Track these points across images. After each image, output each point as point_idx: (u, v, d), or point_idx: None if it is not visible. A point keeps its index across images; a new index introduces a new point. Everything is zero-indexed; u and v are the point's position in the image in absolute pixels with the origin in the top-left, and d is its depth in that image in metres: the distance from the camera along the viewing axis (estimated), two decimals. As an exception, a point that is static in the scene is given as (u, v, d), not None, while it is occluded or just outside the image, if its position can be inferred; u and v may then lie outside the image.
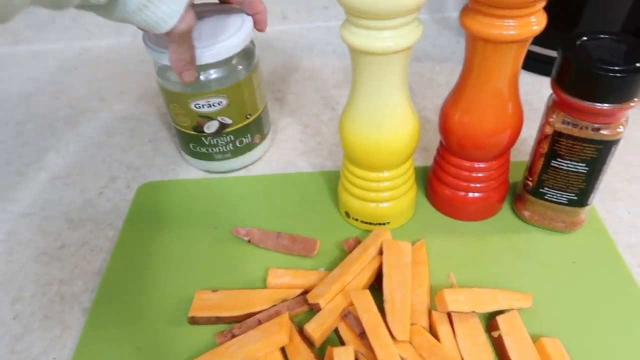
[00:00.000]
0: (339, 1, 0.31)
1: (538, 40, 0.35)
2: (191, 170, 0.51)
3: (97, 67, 0.68)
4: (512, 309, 0.35)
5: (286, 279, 0.39)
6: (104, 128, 0.57)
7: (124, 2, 0.34)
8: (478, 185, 0.41)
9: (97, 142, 0.55)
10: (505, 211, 0.44)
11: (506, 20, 0.31)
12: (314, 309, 0.36)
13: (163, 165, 0.52)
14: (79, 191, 0.50)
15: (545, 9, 0.32)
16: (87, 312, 0.39)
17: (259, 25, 0.44)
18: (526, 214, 0.42)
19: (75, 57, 0.70)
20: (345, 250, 0.41)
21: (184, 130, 0.47)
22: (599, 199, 0.44)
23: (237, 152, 0.48)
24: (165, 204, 0.47)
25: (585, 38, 0.33)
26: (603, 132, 0.34)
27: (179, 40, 0.37)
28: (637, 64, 0.32)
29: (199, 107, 0.44)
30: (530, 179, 0.40)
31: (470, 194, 0.42)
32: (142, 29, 0.39)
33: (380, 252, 0.38)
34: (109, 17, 0.36)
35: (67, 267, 0.42)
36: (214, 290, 0.38)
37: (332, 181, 0.48)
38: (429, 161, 0.48)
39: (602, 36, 0.34)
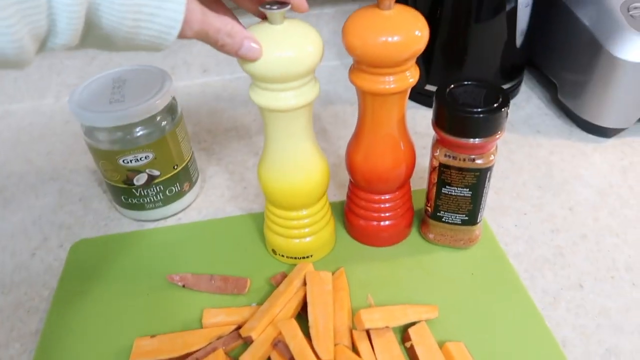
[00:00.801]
0: (244, 69, 0.36)
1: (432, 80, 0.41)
2: (124, 224, 0.53)
3: (20, 131, 0.69)
4: (421, 321, 0.40)
5: (221, 317, 0.42)
6: (32, 190, 0.58)
7: (109, 33, 0.28)
8: (387, 214, 0.47)
9: (26, 205, 0.56)
10: (414, 235, 0.50)
11: (386, 77, 0.38)
12: (247, 342, 0.39)
13: (95, 222, 0.54)
14: (9, 255, 0.50)
15: (429, 59, 0.39)
16: (26, 373, 0.40)
17: (299, 8, 0.36)
18: (430, 235, 0.48)
19: (-3, 122, 0.71)
20: (274, 285, 0.45)
21: (114, 184, 0.49)
22: (491, 215, 0.51)
23: (167, 200, 0.52)
24: (100, 259, 0.49)
25: (452, 86, 0.40)
26: (478, 161, 0.41)
27: (203, 34, 0.32)
28: (495, 104, 0.39)
29: (127, 162, 0.47)
30: (429, 204, 0.46)
31: (382, 223, 0.47)
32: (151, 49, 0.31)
33: (304, 283, 0.43)
34: (108, 49, 0.31)
35: (3, 331, 0.43)
36: (153, 336, 0.41)
37: (259, 222, 0.52)
38: (345, 196, 0.53)
39: (466, 83, 0.41)
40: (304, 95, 0.37)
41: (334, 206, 0.52)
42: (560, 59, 0.64)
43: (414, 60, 0.38)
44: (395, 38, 0.35)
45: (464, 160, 0.41)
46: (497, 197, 0.54)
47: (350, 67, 0.40)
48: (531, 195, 0.54)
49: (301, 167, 0.41)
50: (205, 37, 0.32)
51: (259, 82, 0.36)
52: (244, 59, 0.34)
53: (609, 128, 0.60)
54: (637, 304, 0.43)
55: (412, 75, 0.38)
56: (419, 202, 0.51)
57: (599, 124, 0.60)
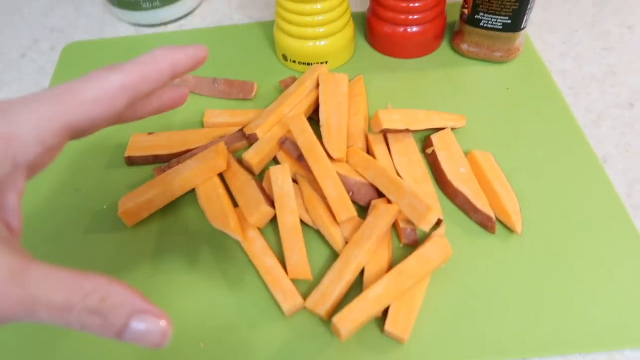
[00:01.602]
0: None
1: None
2: (120, 29, 0.48)
3: None
4: (446, 128, 0.36)
5: (224, 118, 0.38)
6: None
7: None
8: (415, 16, 0.40)
9: (15, 2, 0.51)
10: (444, 48, 0.44)
11: None
12: (252, 141, 0.36)
13: (89, 25, 0.48)
14: (-1, 54, 0.46)
15: None
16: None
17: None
18: (464, 47, 0.42)
19: None
20: (283, 88, 0.40)
21: (105, -21, 0.43)
22: (535, 31, 0.45)
23: (167, 0, 0.45)
24: (93, 63, 0.44)
25: None
26: (535, -62, 0.33)
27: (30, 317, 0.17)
28: None
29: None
30: (466, 6, 0.39)
31: (409, 29, 0.41)
32: None
33: (318, 86, 0.38)
34: None
35: (-6, 126, 0.40)
36: (150, 133, 0.37)
37: (270, 30, 0.46)
38: (367, 6, 0.47)
39: None
40: None
41: (356, 17, 0.46)
42: None
43: None
44: None
45: None
46: (544, 13, 0.46)
47: None
48: (585, 11, 0.46)
49: (319, -60, 0.34)
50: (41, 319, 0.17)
51: None
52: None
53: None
54: (694, 125, 0.37)
55: None
56: (452, 16, 0.44)
57: None
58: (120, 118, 0.24)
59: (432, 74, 0.42)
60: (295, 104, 0.37)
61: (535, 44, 0.44)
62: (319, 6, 0.38)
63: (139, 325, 0.17)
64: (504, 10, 0.38)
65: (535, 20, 0.46)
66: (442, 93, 0.40)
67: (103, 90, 0.20)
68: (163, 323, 0.18)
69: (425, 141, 0.36)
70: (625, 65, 0.42)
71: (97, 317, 0.17)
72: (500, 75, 0.41)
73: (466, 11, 0.40)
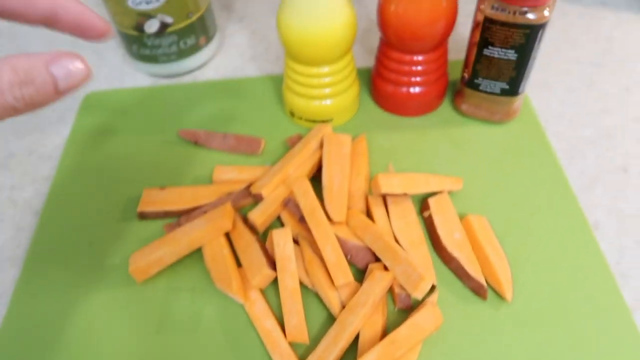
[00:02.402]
0: None
1: None
2: (138, 79, 0.50)
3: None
4: (443, 191, 0.38)
5: (232, 174, 0.40)
6: (46, 39, 0.56)
7: None
8: (418, 78, 0.42)
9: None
10: (445, 107, 0.45)
11: None
12: (257, 200, 0.38)
13: (109, 74, 0.51)
14: (23, 103, 0.49)
15: None
16: (39, 214, 0.40)
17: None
18: (464, 107, 0.44)
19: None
20: (289, 146, 0.42)
21: (125, 31, 0.46)
22: (533, 91, 0.46)
23: (182, 54, 0.48)
24: (112, 111, 0.47)
25: None
26: (529, 16, 0.35)
27: None
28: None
29: (137, 4, 0.43)
30: (466, 70, 0.41)
31: (412, 89, 0.43)
32: None
33: (322, 146, 0.40)
34: None
35: (17, 174, 0.43)
36: (162, 188, 0.39)
37: (279, 84, 0.48)
38: (373, 61, 0.49)
39: None
40: None
41: (361, 73, 0.48)
42: None
43: None
44: None
45: (514, 13, 0.35)
46: (543, 72, 0.48)
47: None
48: (584, 71, 0.48)
49: (325, 15, 0.36)
50: None
51: None
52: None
53: (689, 1, 0.52)
54: (686, 192, 0.39)
55: None
56: (454, 74, 0.46)
57: (678, -4, 0.52)
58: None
59: (433, 132, 0.43)
60: (300, 164, 0.39)
61: (534, 102, 0.45)
62: (325, 69, 0.40)
63: (59, 69, 0.20)
64: (502, 76, 0.40)
65: (533, 78, 0.47)
66: (442, 152, 0.42)
67: None
68: (78, 63, 0.21)
69: (422, 203, 0.38)
70: (620, 128, 0.43)
71: (24, 85, 0.20)
72: (498, 136, 0.43)
73: (466, 75, 0.41)
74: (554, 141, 0.42)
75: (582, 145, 0.42)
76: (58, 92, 0.21)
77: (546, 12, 0.35)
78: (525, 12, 0.35)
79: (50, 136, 0.46)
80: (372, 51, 0.51)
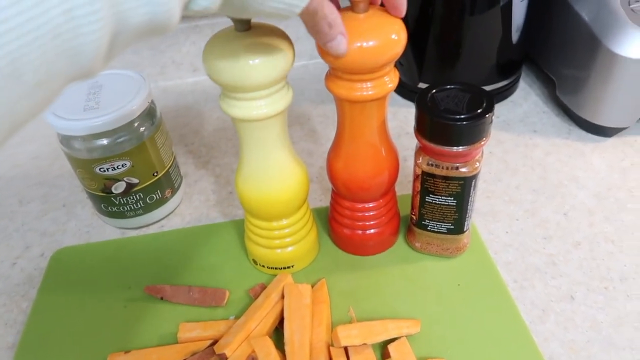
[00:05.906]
0: (212, 80, 0.34)
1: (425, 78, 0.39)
2: (106, 231, 0.52)
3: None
4: (402, 336, 0.39)
5: (196, 332, 0.41)
6: (17, 196, 0.58)
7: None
8: (371, 222, 0.45)
9: (10, 211, 0.56)
10: (400, 243, 0.48)
11: (364, 83, 0.36)
12: (222, 359, 0.38)
13: (77, 229, 0.53)
14: (-10, 264, 0.50)
15: (422, 57, 0.37)
16: (0, 389, 0.39)
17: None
18: (417, 244, 0.46)
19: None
20: (252, 298, 0.43)
21: (93, 192, 0.48)
22: (481, 221, 0.50)
23: (148, 207, 0.50)
24: (80, 268, 0.48)
25: (434, 91, 0.38)
26: (462, 169, 0.39)
27: (312, 13, 0.30)
28: (479, 110, 0.37)
29: (104, 170, 0.46)
30: (413, 212, 0.44)
31: (367, 231, 0.46)
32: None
33: (283, 296, 0.41)
34: (240, 16, 0.32)
35: (-21, 345, 0.43)
36: (127, 352, 0.40)
37: (243, 229, 0.50)
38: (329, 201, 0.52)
39: (449, 87, 0.39)
40: (277, 103, 0.35)
41: (320, 212, 0.51)
42: (558, 55, 0.62)
43: (393, 64, 0.36)
44: (371, 43, 0.33)
45: (448, 168, 0.39)
46: (488, 201, 0.52)
47: (327, 73, 0.38)
48: (524, 199, 0.52)
49: (277, 178, 0.40)
50: (311, 18, 0.30)
51: (229, 92, 0.35)
52: (329, 52, 0.33)
53: (608, 127, 0.58)
54: (630, 318, 0.41)
55: (390, 81, 0.37)
56: (406, 208, 0.49)
57: (599, 123, 0.58)
58: None
59: (390, 270, 0.46)
60: (262, 318, 0.40)
61: (482, 233, 0.48)
62: (284, 222, 0.43)
63: (341, 38, 0.32)
64: (446, 218, 0.43)
65: (481, 209, 0.51)
66: (400, 291, 0.44)
67: None
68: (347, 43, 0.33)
69: (383, 350, 0.39)
70: (563, 255, 0.46)
71: (329, 27, 0.31)
72: (452, 270, 0.45)
73: (414, 217, 0.44)
74: (504, 272, 0.45)
75: (530, 274, 0.45)
76: (325, 45, 0.33)
77: (477, 164, 0.39)
78: (457, 167, 0.39)
79: (16, 301, 0.46)
80: (329, 189, 0.55)
